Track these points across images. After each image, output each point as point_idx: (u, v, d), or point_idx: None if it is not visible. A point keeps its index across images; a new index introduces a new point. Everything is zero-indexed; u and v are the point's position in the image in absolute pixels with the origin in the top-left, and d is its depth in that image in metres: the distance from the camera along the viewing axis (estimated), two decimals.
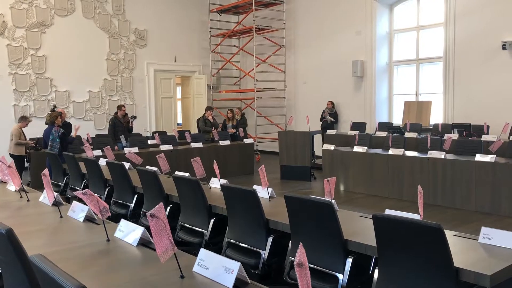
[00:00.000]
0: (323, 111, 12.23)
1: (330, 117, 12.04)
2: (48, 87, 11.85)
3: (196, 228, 3.95)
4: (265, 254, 3.31)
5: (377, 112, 11.71)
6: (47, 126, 8.80)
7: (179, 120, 15.47)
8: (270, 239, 3.34)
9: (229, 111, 11.18)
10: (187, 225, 4.06)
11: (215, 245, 3.81)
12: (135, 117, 10.15)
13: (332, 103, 12.25)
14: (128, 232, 2.55)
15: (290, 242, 3.21)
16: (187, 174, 4.37)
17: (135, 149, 8.62)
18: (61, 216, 3.00)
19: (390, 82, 11.81)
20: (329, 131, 10.93)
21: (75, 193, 2.34)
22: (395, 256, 2.59)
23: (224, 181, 4.56)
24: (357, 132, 10.26)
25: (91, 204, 2.28)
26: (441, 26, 10.46)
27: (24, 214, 3.21)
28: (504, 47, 9.10)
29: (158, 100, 13.79)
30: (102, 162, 6.21)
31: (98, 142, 9.04)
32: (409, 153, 7.51)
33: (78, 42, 12.14)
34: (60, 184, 6.55)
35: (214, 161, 4.67)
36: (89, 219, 2.93)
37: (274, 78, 13.60)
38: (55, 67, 11.87)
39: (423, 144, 7.81)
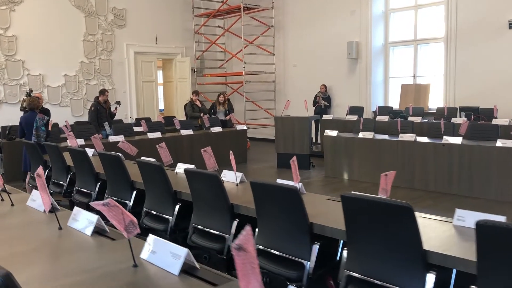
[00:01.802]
0: (316, 95, 11.65)
1: (324, 101, 11.48)
2: (19, 70, 10.88)
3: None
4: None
5: (372, 95, 11.20)
6: (23, 112, 8.00)
7: (161, 106, 14.65)
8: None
9: (220, 96, 10.47)
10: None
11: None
12: (119, 102, 9.37)
13: (325, 86, 11.68)
14: (162, 252, 1.88)
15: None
16: (153, 160, 4.19)
17: (121, 137, 7.88)
18: (60, 228, 2.32)
19: (386, 64, 11.29)
20: (325, 116, 10.37)
21: (92, 204, 1.68)
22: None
23: (240, 174, 4.11)
24: (355, 116, 9.74)
25: (114, 218, 1.63)
26: (441, 5, 9.95)
27: (10, 225, 2.49)
28: (510, 25, 8.67)
29: (138, 84, 12.95)
30: (89, 152, 5.49)
31: (78, 130, 8.23)
32: (420, 139, 7.01)
33: (52, 22, 11.18)
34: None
35: (231, 152, 4.03)
36: (98, 231, 2.27)
37: (262, 61, 12.91)
38: (27, 49, 10.90)
39: (435, 129, 7.31)
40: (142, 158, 4.56)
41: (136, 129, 9.08)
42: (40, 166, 2.75)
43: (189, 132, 8.85)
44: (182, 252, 1.83)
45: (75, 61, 11.71)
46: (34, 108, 6.29)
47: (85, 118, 11.32)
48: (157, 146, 4.57)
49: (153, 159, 4.39)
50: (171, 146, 8.51)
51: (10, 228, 2.45)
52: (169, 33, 13.31)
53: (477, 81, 9.26)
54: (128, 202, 4.30)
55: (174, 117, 11.56)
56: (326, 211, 3.12)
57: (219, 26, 14.16)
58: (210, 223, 3.45)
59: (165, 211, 3.82)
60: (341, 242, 2.79)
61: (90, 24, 11.89)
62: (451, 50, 9.69)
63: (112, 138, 7.75)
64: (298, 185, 3.38)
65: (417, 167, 6.90)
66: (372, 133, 7.46)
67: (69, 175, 5.29)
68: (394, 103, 11.03)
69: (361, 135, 7.58)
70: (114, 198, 4.47)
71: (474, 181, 6.36)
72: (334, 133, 7.92)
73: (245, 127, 9.83)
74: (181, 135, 8.72)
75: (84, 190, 4.94)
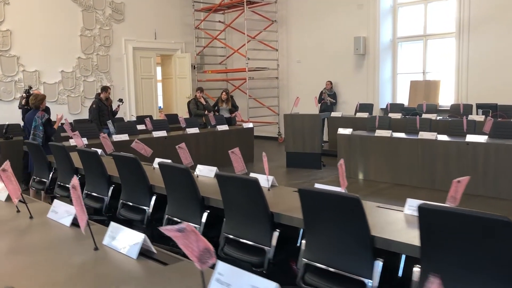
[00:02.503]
0: (321, 92, 11.33)
1: (330, 98, 11.16)
2: (14, 66, 10.43)
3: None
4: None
5: (380, 92, 10.90)
6: (21, 110, 7.59)
7: (160, 103, 14.24)
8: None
9: (223, 93, 10.11)
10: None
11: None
12: (121, 100, 8.97)
13: (331, 83, 11.37)
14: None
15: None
16: (169, 161, 4.02)
17: (125, 136, 7.50)
18: (96, 248, 1.95)
19: (393, 60, 10.99)
20: (333, 114, 10.04)
21: (163, 229, 1.29)
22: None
23: (271, 178, 3.72)
24: (366, 114, 9.44)
25: (186, 246, 1.27)
26: None
27: (32, 245, 2.08)
28: None
29: (137, 81, 12.53)
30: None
31: (80, 129, 7.79)
32: (441, 137, 6.71)
33: (48, 16, 10.74)
34: (45, 180, 5.40)
35: (264, 153, 3.69)
36: (143, 252, 1.90)
37: (265, 57, 12.55)
38: (22, 44, 10.45)
39: (456, 126, 7.02)
40: (157, 159, 4.59)
41: (137, 127, 8.69)
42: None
43: (195, 130, 8.48)
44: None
45: (72, 57, 11.28)
46: (38, 106, 5.88)
47: (83, 116, 10.91)
48: (176, 147, 4.21)
49: (169, 161, 4.14)
50: (175, 145, 8.21)
51: (33, 250, 2.04)
52: (168, 28, 12.91)
53: (491, 76, 8.99)
54: (147, 208, 3.94)
55: (176, 114, 11.18)
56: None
57: (219, 21, 13.77)
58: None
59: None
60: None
61: (88, 19, 11.46)
62: (463, 45, 9.41)
63: (116, 137, 7.36)
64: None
65: (438, 167, 6.61)
66: (390, 131, 7.15)
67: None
68: (402, 100, 10.74)
69: (377, 133, 7.26)
70: (130, 204, 4.12)
71: (501, 182, 6.07)
72: (348, 131, 7.61)
73: (251, 125, 9.47)
74: (187, 134, 8.35)
75: (95, 194, 4.57)
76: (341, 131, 7.68)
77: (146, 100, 12.74)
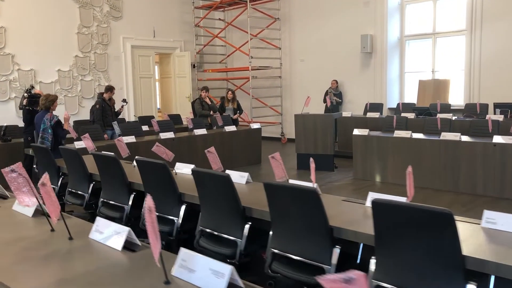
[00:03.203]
0: (327, 92, 11.06)
1: (336, 98, 10.89)
2: (9, 65, 9.97)
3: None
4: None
5: (387, 92, 10.66)
6: (22, 111, 7.16)
7: (158, 104, 13.84)
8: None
9: (229, 92, 9.78)
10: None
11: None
12: (125, 100, 8.61)
13: (336, 82, 11.11)
14: None
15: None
16: (192, 166, 3.99)
17: (132, 138, 7.14)
18: (167, 281, 1.59)
19: (401, 59, 10.75)
20: (344, 114, 9.77)
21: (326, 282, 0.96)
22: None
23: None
24: (377, 114, 9.19)
25: None
26: None
27: (83, 274, 1.73)
28: None
29: (136, 80, 12.13)
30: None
31: (83, 130, 7.41)
32: (465, 138, 6.46)
33: (44, 12, 10.30)
34: (54, 187, 5.03)
35: (311, 159, 3.39)
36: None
37: (267, 56, 12.23)
38: (17, 42, 10.00)
39: (479, 127, 6.78)
40: (178, 163, 4.55)
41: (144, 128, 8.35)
42: (46, 173, 2.17)
43: (203, 131, 8.15)
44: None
45: (69, 55, 10.85)
46: (49, 107, 5.50)
47: (80, 117, 10.51)
48: (206, 151, 3.87)
49: (192, 165, 4.03)
50: (184, 147, 7.88)
51: (84, 282, 1.69)
52: (167, 26, 12.53)
53: (505, 74, 8.78)
54: (175, 218, 3.61)
55: (179, 115, 10.84)
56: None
57: (219, 19, 13.42)
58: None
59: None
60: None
61: (85, 16, 11.03)
62: (475, 42, 9.20)
63: (115, 139, 6.98)
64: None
65: (462, 169, 6.36)
66: (410, 132, 6.89)
67: (92, 185, 4.55)
68: (409, 99, 10.50)
69: (396, 134, 6.99)
70: (159, 214, 3.77)
71: None
72: (364, 132, 7.33)
73: (259, 126, 9.15)
74: (194, 135, 8.01)
75: (112, 202, 4.22)
76: (357, 131, 7.40)
77: (144, 100, 12.34)
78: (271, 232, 2.93)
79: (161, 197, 3.59)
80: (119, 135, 7.31)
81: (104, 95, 7.94)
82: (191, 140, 7.95)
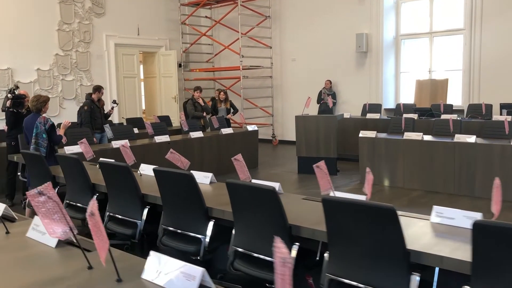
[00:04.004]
0: (321, 92, 10.73)
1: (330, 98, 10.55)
2: None
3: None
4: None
5: (383, 92, 10.40)
6: (4, 114, 6.52)
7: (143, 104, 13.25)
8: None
9: (221, 93, 9.33)
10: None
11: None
12: (115, 102, 8.07)
13: (330, 82, 10.78)
14: None
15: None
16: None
17: (125, 142, 6.61)
18: None
19: (397, 59, 10.50)
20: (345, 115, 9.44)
21: None
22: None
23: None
24: (377, 115, 8.91)
25: None
26: None
27: None
28: None
29: (120, 80, 11.55)
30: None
31: (71, 134, 6.84)
32: (480, 140, 6.20)
33: (22, 8, 9.65)
34: None
35: (368, 169, 3.00)
36: None
37: (257, 55, 11.81)
38: None
39: (492, 128, 6.53)
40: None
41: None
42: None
43: (199, 134, 7.68)
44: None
45: (49, 53, 10.21)
46: (40, 109, 4.96)
47: (61, 119, 9.84)
48: (233, 159, 3.43)
49: (208, 173, 3.96)
50: (179, 151, 7.36)
51: None
52: (151, 24, 11.99)
53: (506, 74, 8.60)
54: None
55: (168, 116, 10.32)
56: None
57: (206, 17, 12.94)
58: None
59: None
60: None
61: (65, 12, 10.40)
62: (475, 40, 8.99)
63: (115, 144, 6.47)
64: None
65: (478, 172, 6.08)
66: (421, 134, 6.59)
67: (95, 197, 4.05)
68: (405, 100, 10.25)
69: (406, 136, 6.69)
70: (180, 231, 3.32)
71: None
72: (372, 134, 7.00)
73: (255, 128, 8.74)
74: (190, 138, 7.54)
75: (120, 216, 3.74)
76: (364, 134, 7.07)
77: (129, 100, 11.76)
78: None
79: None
80: (111, 139, 6.78)
81: (93, 96, 7.38)
82: (187, 143, 7.47)
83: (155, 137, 7.05)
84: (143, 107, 13.05)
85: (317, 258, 2.74)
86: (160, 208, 3.42)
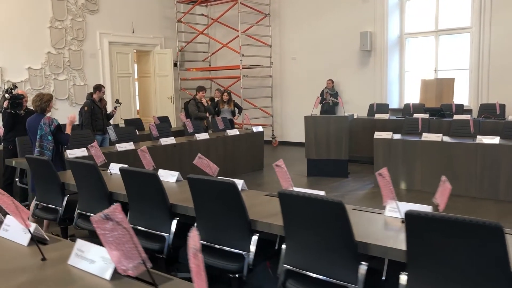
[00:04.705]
0: (323, 92, 10.45)
1: (333, 98, 10.29)
2: None
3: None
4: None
5: (388, 92, 10.15)
6: (0, 115, 6.06)
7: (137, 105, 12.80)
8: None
9: (224, 94, 8.98)
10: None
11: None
12: (118, 101, 7.66)
13: (332, 82, 10.50)
14: None
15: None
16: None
17: (130, 145, 6.24)
18: None
19: (401, 58, 10.27)
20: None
21: None
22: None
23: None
24: (386, 115, 8.65)
25: None
26: None
27: None
28: None
29: (114, 79, 11.10)
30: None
31: (73, 136, 6.42)
32: (504, 142, 5.97)
33: (12, 4, 9.17)
34: (56, 207, 4.11)
35: (444, 177, 2.71)
36: None
37: (256, 53, 11.48)
38: None
39: None
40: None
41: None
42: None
43: (205, 136, 7.33)
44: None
45: (41, 51, 9.73)
46: (44, 109, 4.56)
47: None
48: (274, 165, 3.10)
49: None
50: (185, 153, 7.02)
51: None
52: (146, 21, 11.57)
53: None
54: (247, 254, 2.83)
55: (167, 117, 9.93)
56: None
57: (202, 14, 12.56)
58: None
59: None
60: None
61: (58, 8, 9.94)
62: (483, 40, 8.79)
63: (119, 146, 6.08)
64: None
65: (502, 175, 5.85)
66: (440, 135, 6.34)
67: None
68: (409, 99, 10.03)
69: (425, 137, 6.43)
70: (217, 246, 2.98)
71: None
72: (388, 135, 6.73)
73: (261, 129, 8.41)
74: (196, 140, 7.17)
75: (146, 229, 3.37)
76: (379, 135, 6.79)
77: (123, 101, 11.24)
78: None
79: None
80: (115, 142, 6.38)
81: (94, 96, 6.97)
82: (192, 145, 7.11)
83: (161, 139, 6.67)
84: (137, 108, 12.60)
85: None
86: (190, 219, 3.20)
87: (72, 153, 5.53)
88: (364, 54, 10.23)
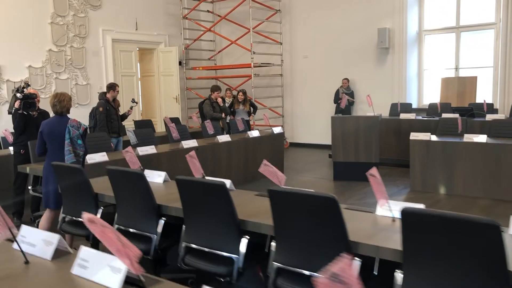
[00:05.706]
0: (337, 91, 10.04)
1: (349, 97, 9.87)
2: None
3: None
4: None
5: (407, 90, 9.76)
6: (11, 116, 5.47)
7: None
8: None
9: (240, 93, 8.50)
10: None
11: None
12: (134, 101, 7.15)
13: (348, 80, 10.09)
14: None
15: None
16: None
17: (152, 149, 5.73)
18: None
19: (420, 55, 9.89)
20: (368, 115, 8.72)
21: None
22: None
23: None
24: (412, 115, 8.25)
25: None
26: None
27: None
28: None
29: (117, 78, 10.53)
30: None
31: (90, 140, 5.86)
32: None
33: None
34: None
35: None
36: None
37: (266, 51, 11.01)
38: None
39: None
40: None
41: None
42: None
43: (227, 138, 6.84)
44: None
45: (42, 49, 9.14)
46: (68, 110, 4.03)
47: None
48: (367, 174, 2.64)
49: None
50: (207, 156, 6.50)
51: None
52: (150, 18, 11.03)
53: None
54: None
55: (177, 118, 9.41)
56: None
57: (208, 11, 12.04)
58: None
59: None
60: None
61: (59, 3, 9.35)
62: (509, 36, 8.44)
63: (141, 151, 5.56)
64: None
65: None
66: (485, 136, 5.94)
67: (161, 223, 3.18)
68: (430, 98, 9.65)
69: (466, 138, 6.02)
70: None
71: None
72: (425, 136, 6.31)
73: (281, 130, 7.94)
74: (218, 143, 6.68)
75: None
76: (415, 136, 6.37)
77: (127, 100, 10.73)
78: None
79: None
80: (135, 145, 5.85)
81: (107, 95, 6.44)
82: (215, 148, 6.62)
83: (182, 142, 6.16)
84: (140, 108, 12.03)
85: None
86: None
87: (91, 158, 5.02)
88: (382, 51, 9.82)
